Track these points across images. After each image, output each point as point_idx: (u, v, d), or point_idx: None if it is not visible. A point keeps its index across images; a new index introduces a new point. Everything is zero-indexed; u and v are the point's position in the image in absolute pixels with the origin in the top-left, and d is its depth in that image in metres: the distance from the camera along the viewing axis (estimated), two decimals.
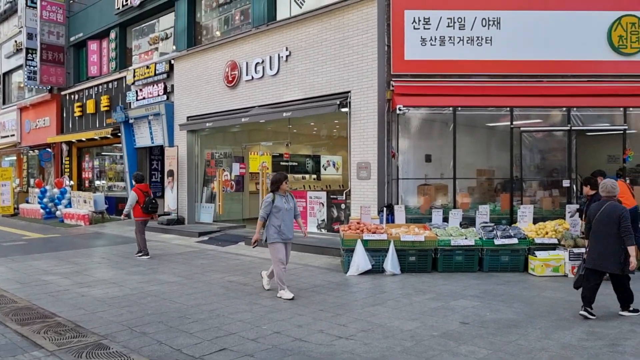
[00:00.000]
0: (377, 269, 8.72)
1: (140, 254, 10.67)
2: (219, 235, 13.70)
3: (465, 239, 8.84)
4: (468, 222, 9.69)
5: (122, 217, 11.24)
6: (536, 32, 10.87)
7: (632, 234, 6.03)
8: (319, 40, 11.93)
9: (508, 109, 10.56)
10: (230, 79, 14.26)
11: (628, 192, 8.99)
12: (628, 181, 10.20)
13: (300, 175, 17.84)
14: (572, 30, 10.93)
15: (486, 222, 9.41)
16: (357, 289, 7.80)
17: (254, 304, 6.81)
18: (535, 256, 8.61)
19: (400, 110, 10.17)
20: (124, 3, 18.54)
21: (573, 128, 10.54)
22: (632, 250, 5.99)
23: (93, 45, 20.95)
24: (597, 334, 5.50)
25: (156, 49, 18.44)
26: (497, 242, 8.79)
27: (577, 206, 9.43)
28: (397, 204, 10.49)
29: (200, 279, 8.54)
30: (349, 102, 11.20)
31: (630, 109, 10.63)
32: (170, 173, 16.07)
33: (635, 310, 6.21)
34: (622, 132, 10.60)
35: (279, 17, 13.43)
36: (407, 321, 6.00)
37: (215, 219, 15.64)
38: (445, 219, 9.80)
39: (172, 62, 16.50)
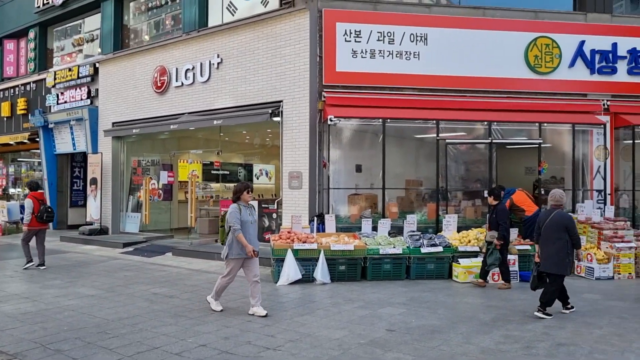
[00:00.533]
0: (307, 279, 8.72)
1: (31, 264, 10.18)
2: (145, 245, 13.19)
3: (394, 247, 9.04)
4: (396, 231, 9.91)
5: (25, 227, 10.33)
6: (461, 49, 11.38)
7: (580, 239, 6.83)
8: (252, 48, 11.86)
9: (434, 121, 10.95)
10: (159, 84, 13.86)
11: (529, 200, 10.17)
12: (543, 191, 10.89)
13: (231, 184, 17.56)
14: (493, 48, 11.54)
15: (413, 231, 9.68)
16: (286, 299, 7.75)
17: (180, 317, 6.59)
18: (459, 263, 8.94)
19: (331, 120, 10.29)
20: (45, 2, 17.58)
21: (493, 141, 11.09)
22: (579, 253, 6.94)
23: (9, 45, 19.68)
24: (513, 337, 5.76)
25: (80, 50, 17.59)
26: (423, 250, 9.05)
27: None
28: (328, 213, 10.57)
29: (123, 291, 8.17)
30: (281, 112, 11.20)
31: (545, 124, 11.34)
32: (94, 181, 15.33)
33: (548, 314, 6.59)
34: (537, 145, 11.28)
35: (210, 24, 13.23)
36: (335, 330, 6.02)
37: (141, 228, 15.06)
38: (375, 228, 9.97)
39: (97, 65, 15.81)
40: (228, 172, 17.27)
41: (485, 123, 11.17)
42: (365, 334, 5.85)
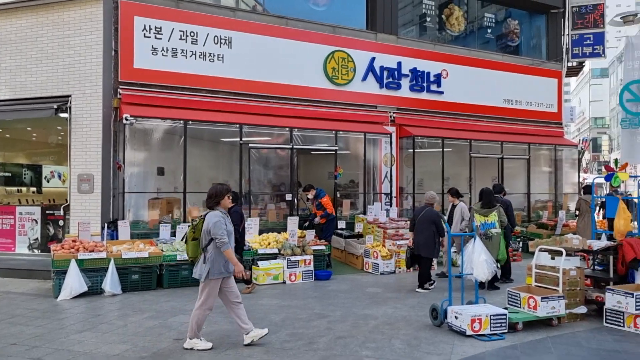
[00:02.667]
0: (95, 290, 7.98)
1: None
2: None
3: None
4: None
5: None
6: (265, 56, 11.63)
7: (444, 230, 8.25)
8: (34, 35, 10.52)
9: (238, 125, 10.98)
10: None
11: (330, 203, 10.94)
12: (339, 195, 11.69)
13: (14, 188, 15.39)
14: (295, 58, 12.03)
15: None
16: (66, 314, 6.97)
17: None
18: (258, 266, 9.05)
19: (127, 120, 9.63)
20: None
21: (295, 147, 11.55)
22: (445, 240, 8.43)
23: None
24: (298, 335, 5.98)
25: None
26: None
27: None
28: (123, 219, 9.85)
29: None
30: (69, 108, 10.13)
31: (341, 132, 12.19)
32: None
33: (430, 285, 8.47)
34: (334, 152, 12.06)
35: None
36: (116, 345, 5.57)
37: None
38: (175, 234, 9.57)
39: None
40: (10, 174, 15.10)
41: (287, 129, 11.58)
42: (150, 346, 5.52)
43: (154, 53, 10.49)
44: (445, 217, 9.61)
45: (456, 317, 6.01)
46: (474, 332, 5.82)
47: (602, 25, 15.76)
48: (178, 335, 5.90)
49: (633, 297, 6.02)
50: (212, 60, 11.06)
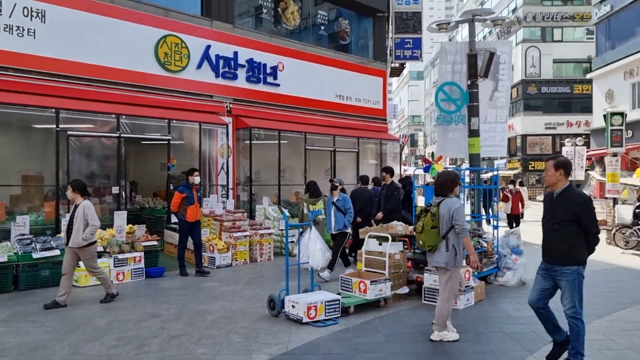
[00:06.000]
0: None
1: None
2: None
3: None
4: (2, 235, 8.39)
5: None
6: (88, 35, 10.55)
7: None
8: None
9: (53, 110, 9.76)
10: None
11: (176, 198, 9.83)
12: (172, 187, 11.08)
13: None
14: (124, 39, 11.11)
15: (24, 234, 8.35)
16: None
17: None
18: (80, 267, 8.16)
19: None
20: None
21: (122, 135, 10.68)
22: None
23: None
24: (127, 338, 5.51)
25: None
26: (35, 255, 7.90)
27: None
28: None
29: None
30: None
31: (174, 121, 11.58)
32: None
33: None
34: (167, 142, 11.43)
35: None
36: None
37: None
38: None
39: None
40: None
41: (114, 116, 10.65)
42: None
43: None
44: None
45: (293, 306, 6.08)
46: (310, 319, 5.95)
47: (420, 32, 17.41)
48: None
49: None
50: (20, 34, 9.65)
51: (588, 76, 35.06)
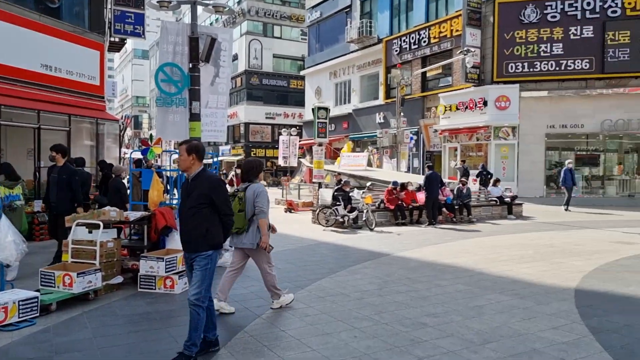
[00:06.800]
0: None
1: None
2: None
3: None
4: None
5: None
6: None
7: None
8: None
9: None
10: None
11: None
12: None
13: None
14: None
15: None
16: None
17: None
18: None
19: None
20: None
21: None
22: None
23: None
24: None
25: None
26: None
27: None
28: None
29: None
30: None
31: None
32: None
33: None
34: None
35: None
36: None
37: None
38: None
39: None
40: None
41: None
42: None
43: None
44: None
45: None
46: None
47: (143, 7, 16.52)
48: None
49: (164, 261, 6.55)
50: None
51: (302, 73, 39.18)
